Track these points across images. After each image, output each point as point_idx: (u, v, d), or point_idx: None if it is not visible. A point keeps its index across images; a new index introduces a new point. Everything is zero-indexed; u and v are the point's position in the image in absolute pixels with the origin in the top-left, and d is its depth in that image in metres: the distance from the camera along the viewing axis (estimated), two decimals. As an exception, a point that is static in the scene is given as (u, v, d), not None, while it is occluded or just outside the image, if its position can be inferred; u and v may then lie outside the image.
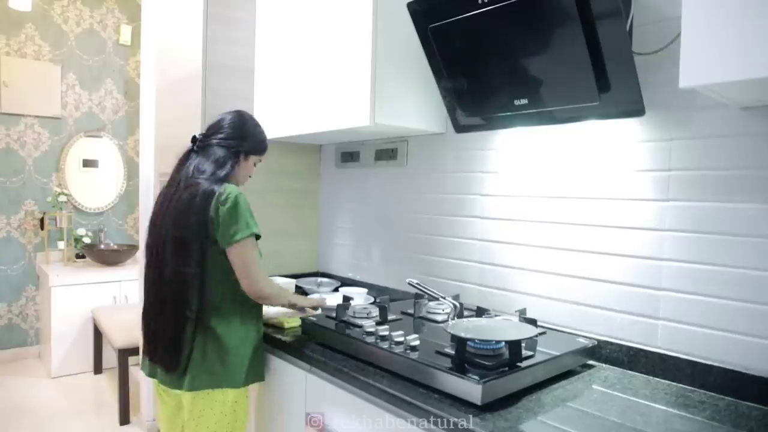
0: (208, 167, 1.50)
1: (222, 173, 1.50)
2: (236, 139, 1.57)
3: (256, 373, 1.54)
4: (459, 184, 1.84)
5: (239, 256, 1.42)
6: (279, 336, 1.59)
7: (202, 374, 1.43)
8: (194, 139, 1.60)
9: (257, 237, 1.47)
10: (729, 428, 1.04)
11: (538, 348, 1.29)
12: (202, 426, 1.46)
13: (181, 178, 1.52)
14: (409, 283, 1.58)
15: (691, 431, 1.04)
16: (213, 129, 1.59)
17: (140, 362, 1.68)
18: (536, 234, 1.59)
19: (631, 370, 1.35)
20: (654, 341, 1.33)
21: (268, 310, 1.68)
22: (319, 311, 1.67)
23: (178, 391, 1.47)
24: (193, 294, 1.42)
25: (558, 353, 1.29)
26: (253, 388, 1.72)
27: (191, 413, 1.46)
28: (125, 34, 4.41)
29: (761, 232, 1.16)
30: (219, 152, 1.53)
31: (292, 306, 1.61)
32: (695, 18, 0.95)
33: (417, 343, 1.29)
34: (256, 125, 1.65)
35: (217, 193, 1.43)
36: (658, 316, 1.32)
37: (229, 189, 1.45)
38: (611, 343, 1.40)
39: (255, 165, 1.66)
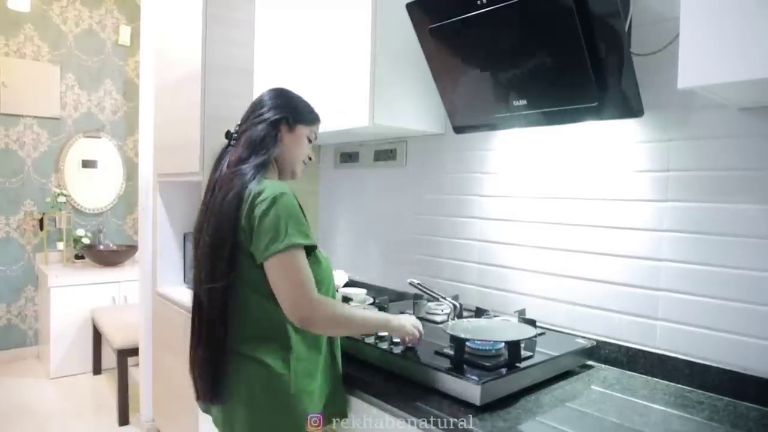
0: (243, 154, 1.22)
1: (260, 158, 1.21)
2: (275, 108, 1.27)
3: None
4: (458, 185, 1.84)
5: (275, 272, 1.12)
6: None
7: (239, 407, 1.18)
8: (228, 134, 1.32)
9: (310, 249, 1.17)
10: (727, 428, 1.04)
11: (537, 348, 1.29)
12: None
13: (215, 181, 1.25)
14: (409, 284, 1.58)
15: (689, 431, 1.05)
16: (247, 114, 1.31)
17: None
18: (535, 234, 1.59)
19: (629, 370, 1.35)
20: (652, 341, 1.33)
21: None
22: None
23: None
24: (220, 315, 1.18)
25: (557, 354, 1.29)
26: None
27: None
28: (124, 35, 4.40)
29: (760, 233, 1.16)
30: (255, 132, 1.24)
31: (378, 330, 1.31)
32: (694, 19, 0.95)
33: (416, 343, 1.29)
34: (301, 97, 1.35)
35: (251, 194, 1.14)
36: (656, 316, 1.32)
37: (268, 187, 1.15)
38: (610, 344, 1.40)
39: (310, 142, 1.33)
